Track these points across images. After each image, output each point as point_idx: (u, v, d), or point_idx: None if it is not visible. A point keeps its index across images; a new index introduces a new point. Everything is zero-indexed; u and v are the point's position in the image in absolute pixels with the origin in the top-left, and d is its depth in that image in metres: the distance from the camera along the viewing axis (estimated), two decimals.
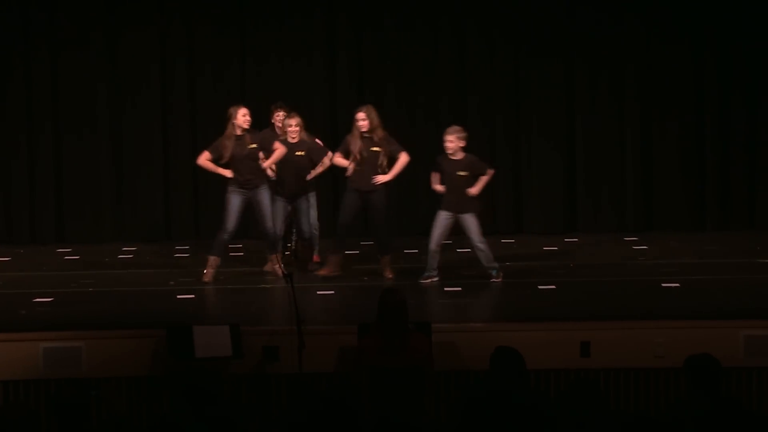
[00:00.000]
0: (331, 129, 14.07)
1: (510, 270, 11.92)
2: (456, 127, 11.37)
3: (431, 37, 14.56)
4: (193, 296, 10.85)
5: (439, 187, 11.32)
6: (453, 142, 11.22)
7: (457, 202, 11.19)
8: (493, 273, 11.24)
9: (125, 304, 10.66)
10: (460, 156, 11.26)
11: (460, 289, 10.93)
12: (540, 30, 14.44)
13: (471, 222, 11.19)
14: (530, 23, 14.46)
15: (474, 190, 11.22)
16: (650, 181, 14.55)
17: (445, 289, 10.92)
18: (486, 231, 14.28)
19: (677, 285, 10.93)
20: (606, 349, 9.24)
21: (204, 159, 11.69)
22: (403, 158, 11.55)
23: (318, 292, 10.93)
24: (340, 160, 11.62)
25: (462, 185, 11.20)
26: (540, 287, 10.95)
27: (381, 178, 11.45)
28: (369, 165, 11.45)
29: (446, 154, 11.27)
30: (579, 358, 9.22)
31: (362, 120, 11.47)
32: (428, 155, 14.45)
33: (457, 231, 14.33)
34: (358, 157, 11.42)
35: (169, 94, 14.58)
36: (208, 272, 11.47)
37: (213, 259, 11.50)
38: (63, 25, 14.35)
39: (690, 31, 14.42)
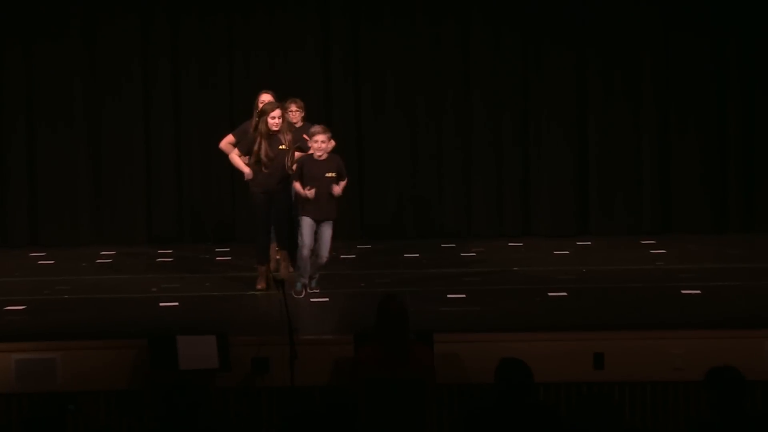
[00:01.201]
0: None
1: (518, 276, 11.91)
2: (322, 126, 11.13)
3: (433, 27, 14.51)
4: (176, 304, 10.82)
5: (309, 193, 10.94)
6: (325, 142, 11.00)
7: (323, 206, 10.99)
8: (298, 286, 10.99)
9: (104, 312, 10.62)
10: (326, 156, 11.07)
11: (464, 296, 10.90)
12: (550, 20, 14.39)
13: (328, 231, 11.01)
14: (540, 13, 14.41)
15: (338, 189, 11.00)
16: (668, 180, 14.52)
17: (449, 296, 10.89)
18: (492, 234, 14.39)
19: (698, 292, 10.90)
20: (621, 360, 9.21)
21: (226, 143, 11.77)
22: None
23: (311, 300, 10.90)
24: (237, 159, 11.29)
25: (329, 187, 11.01)
26: (550, 294, 10.92)
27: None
28: (276, 166, 11.16)
29: (312, 156, 11.04)
30: (592, 371, 9.20)
31: (279, 117, 11.08)
32: (429, 155, 14.54)
33: (460, 235, 14.42)
34: (265, 159, 11.06)
35: (152, 89, 14.55)
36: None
37: (283, 254, 11.66)
38: (38, 14, 14.31)
39: (711, 22, 14.38)
